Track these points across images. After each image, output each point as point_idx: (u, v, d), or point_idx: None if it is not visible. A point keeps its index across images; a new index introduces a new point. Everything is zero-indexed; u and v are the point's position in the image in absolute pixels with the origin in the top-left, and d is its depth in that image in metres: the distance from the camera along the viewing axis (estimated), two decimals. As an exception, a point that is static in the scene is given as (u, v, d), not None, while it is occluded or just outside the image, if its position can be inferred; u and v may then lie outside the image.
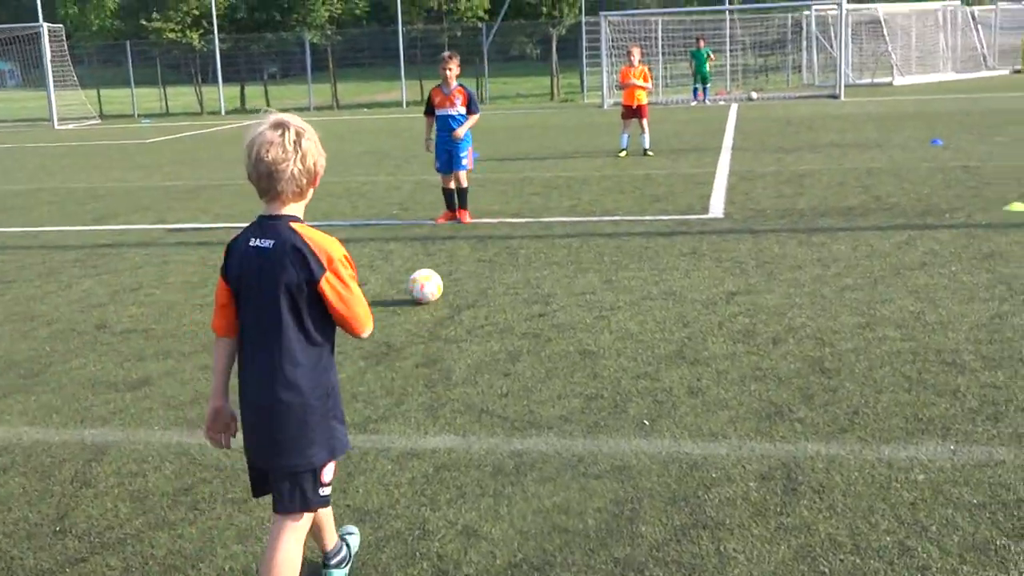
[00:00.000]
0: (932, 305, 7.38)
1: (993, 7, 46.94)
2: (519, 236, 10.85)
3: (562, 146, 20.92)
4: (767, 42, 43.23)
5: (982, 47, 43.96)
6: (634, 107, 18.37)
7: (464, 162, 11.52)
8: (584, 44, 38.61)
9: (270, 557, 3.32)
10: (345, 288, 3.21)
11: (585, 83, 40.38)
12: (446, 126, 11.48)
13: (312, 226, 3.31)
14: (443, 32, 43.18)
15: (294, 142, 3.19)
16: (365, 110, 40.81)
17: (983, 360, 6.11)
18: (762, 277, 8.49)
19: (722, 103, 33.00)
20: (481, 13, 44.05)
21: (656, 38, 38.45)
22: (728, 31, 40.26)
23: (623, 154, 18.20)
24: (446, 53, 11.55)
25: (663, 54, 38.74)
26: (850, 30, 38.41)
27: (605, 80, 33.77)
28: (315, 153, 3.25)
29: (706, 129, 23.16)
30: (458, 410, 5.63)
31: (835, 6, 34.99)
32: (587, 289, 8.34)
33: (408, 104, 41.16)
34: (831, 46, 38.36)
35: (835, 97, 32.14)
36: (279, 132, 3.19)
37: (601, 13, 34.68)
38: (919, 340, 6.55)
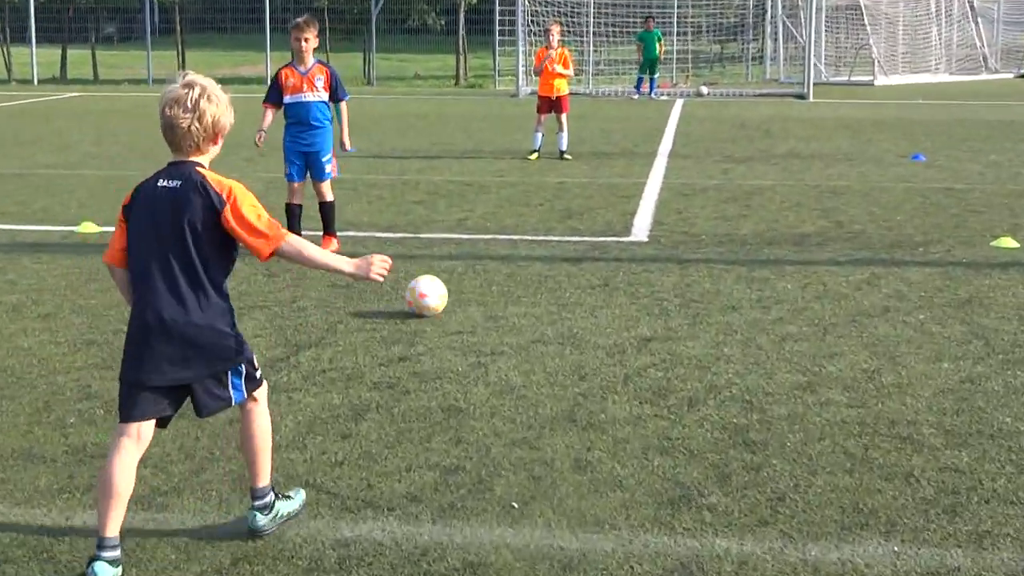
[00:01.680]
0: (891, 363, 7.42)
1: (996, -3, 48.32)
2: (389, 255, 10.65)
3: (460, 142, 20.84)
4: (724, 26, 43.88)
5: (982, 45, 45.19)
6: (552, 98, 18.41)
7: (328, 168, 10.92)
8: (498, 17, 38.72)
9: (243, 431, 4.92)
10: (243, 218, 4.46)
11: (498, 65, 40.46)
12: (304, 117, 10.75)
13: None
14: (322, -7, 43.01)
15: (195, 101, 4.44)
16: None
17: (945, 435, 6.12)
18: (686, 319, 8.47)
19: (665, 98, 33.31)
20: (371, -28, 43.99)
21: (586, 14, 38.70)
22: (676, 11, 40.74)
23: (534, 156, 18.18)
24: (301, 19, 10.80)
25: (594, 34, 39.00)
26: (824, 16, 39.16)
27: (521, 62, 33.88)
28: (214, 113, 4.48)
29: (641, 129, 23.30)
30: (276, 482, 5.42)
31: (807, -14, 35.65)
32: (465, 327, 8.25)
33: (275, 81, 40.91)
34: (800, 35, 39.06)
35: (802, 97, 32.66)
36: (185, 91, 4.46)
37: (520, -20, 34.79)
38: (870, 407, 6.56)
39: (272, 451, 4.97)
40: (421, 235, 11.78)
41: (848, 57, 41.44)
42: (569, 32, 36.74)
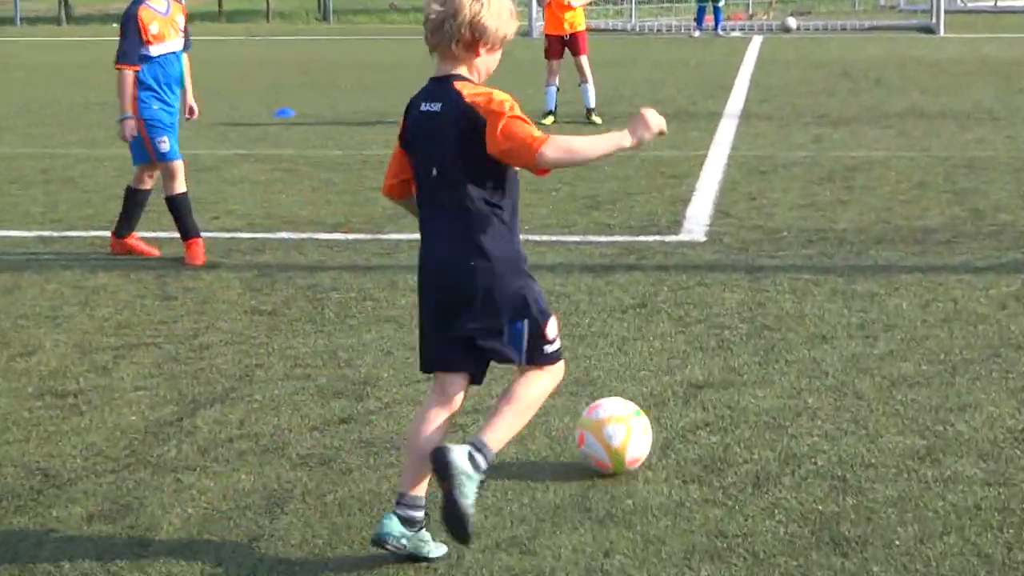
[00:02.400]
0: (1048, 417, 7.34)
1: None
2: (335, 267, 10.74)
3: (447, 102, 20.76)
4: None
5: None
6: (564, 37, 18.45)
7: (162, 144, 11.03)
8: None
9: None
10: (502, 135, 5.23)
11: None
12: (177, 74, 11.05)
13: None
14: None
15: None
16: (114, 26, 40.54)
17: (1125, 524, 6.05)
18: (755, 356, 8.43)
19: (736, 35, 33.32)
20: None
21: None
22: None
23: (549, 120, 18.28)
24: None
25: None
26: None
27: (535, -11, 33.95)
28: (476, 12, 5.25)
29: (702, 79, 23.38)
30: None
31: None
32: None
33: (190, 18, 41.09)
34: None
35: (929, 31, 32.67)
36: None
37: None
38: (1016, 485, 6.44)
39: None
40: (384, 235, 11.72)
41: (994, -27, 41.44)
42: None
